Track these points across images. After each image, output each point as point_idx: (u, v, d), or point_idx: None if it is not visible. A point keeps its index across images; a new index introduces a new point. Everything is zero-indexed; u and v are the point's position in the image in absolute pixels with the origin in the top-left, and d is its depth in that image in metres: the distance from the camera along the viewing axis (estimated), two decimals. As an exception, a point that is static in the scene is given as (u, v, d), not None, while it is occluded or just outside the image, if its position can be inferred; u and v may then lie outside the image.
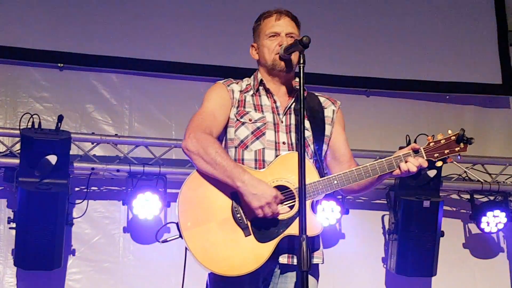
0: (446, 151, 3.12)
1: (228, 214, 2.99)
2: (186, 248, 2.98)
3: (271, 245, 2.97)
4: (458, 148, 3.13)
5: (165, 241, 3.09)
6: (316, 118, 3.24)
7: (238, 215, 2.98)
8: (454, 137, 3.12)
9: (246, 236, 2.97)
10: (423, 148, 3.09)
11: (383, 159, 3.08)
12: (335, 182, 3.05)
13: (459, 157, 3.16)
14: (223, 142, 3.20)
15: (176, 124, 6.11)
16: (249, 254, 2.95)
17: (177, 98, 6.14)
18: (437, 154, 3.10)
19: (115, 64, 6.02)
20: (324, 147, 3.26)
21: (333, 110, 3.33)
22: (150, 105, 6.12)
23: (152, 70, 6.08)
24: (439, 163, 3.13)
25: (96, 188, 5.87)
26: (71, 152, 5.40)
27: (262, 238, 2.98)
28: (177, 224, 2.99)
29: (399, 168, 3.06)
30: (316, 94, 3.35)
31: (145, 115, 6.10)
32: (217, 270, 2.94)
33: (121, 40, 6.03)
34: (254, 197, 2.93)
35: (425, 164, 3.07)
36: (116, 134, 5.84)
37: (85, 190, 5.69)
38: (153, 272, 5.81)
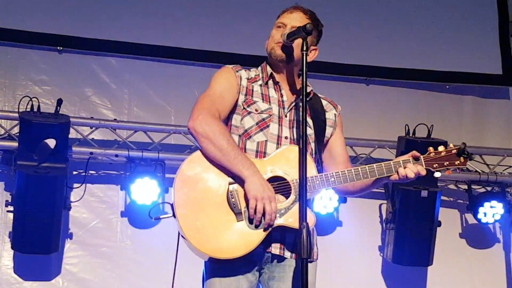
0: (445, 163, 3.16)
1: (223, 198, 3.00)
2: (179, 229, 3.00)
3: (262, 233, 2.98)
4: (458, 162, 3.17)
5: (157, 218, 3.13)
6: (318, 119, 3.29)
7: (233, 200, 2.99)
8: (456, 150, 3.16)
9: (238, 221, 2.99)
10: (423, 157, 3.13)
11: (382, 163, 3.13)
12: (332, 179, 3.08)
13: (457, 170, 3.20)
14: (228, 128, 3.20)
15: (175, 109, 6.10)
16: (239, 238, 2.97)
17: (177, 84, 6.13)
18: (436, 165, 3.15)
19: (115, 48, 5.99)
20: (323, 148, 3.30)
21: (335, 114, 3.37)
22: (149, 90, 6.10)
23: (152, 55, 6.06)
24: (437, 174, 3.18)
25: (94, 172, 5.87)
26: (69, 136, 5.40)
27: (254, 225, 3.00)
28: (171, 204, 3.01)
29: (397, 173, 3.10)
30: (319, 96, 3.39)
31: (144, 100, 6.08)
32: (205, 250, 2.96)
33: (122, 25, 6.01)
34: (257, 188, 2.95)
35: (423, 172, 3.12)
36: (115, 119, 5.83)
37: (83, 174, 5.70)
38: (150, 257, 5.83)
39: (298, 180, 2.94)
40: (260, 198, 2.94)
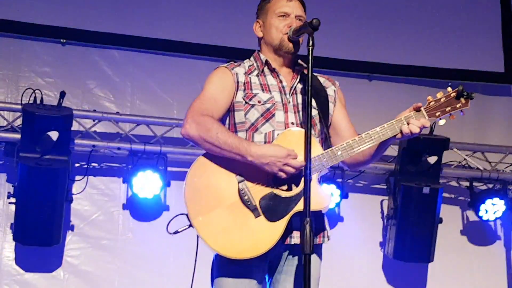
0: (447, 109, 3.07)
1: (236, 198, 2.99)
2: (197, 236, 2.98)
3: (282, 223, 2.97)
4: (460, 104, 3.08)
5: (176, 232, 3.08)
6: (320, 96, 3.23)
7: (246, 197, 2.97)
8: (454, 93, 3.07)
9: (256, 217, 2.97)
10: (424, 108, 3.06)
11: (384, 125, 3.05)
12: (339, 153, 3.03)
13: (461, 113, 3.12)
14: (230, 126, 3.18)
15: (178, 103, 6.09)
16: (261, 234, 2.95)
17: (179, 77, 6.12)
18: (439, 113, 3.06)
19: (118, 41, 5.98)
20: (329, 124, 3.27)
21: (334, 90, 3.33)
22: (152, 83, 6.10)
23: (155, 48, 6.05)
24: (441, 122, 3.08)
25: (96, 164, 5.87)
26: (72, 129, 5.39)
27: (272, 217, 2.98)
28: (186, 214, 3.00)
29: (401, 131, 3.03)
30: (315, 74, 3.32)
31: (147, 93, 6.08)
32: (231, 254, 2.95)
33: (125, 18, 6.01)
34: (268, 166, 2.93)
35: (428, 124, 3.04)
36: (117, 112, 5.82)
37: (85, 166, 5.70)
38: (151, 250, 5.83)
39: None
40: (280, 167, 2.93)
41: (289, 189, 3.02)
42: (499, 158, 6.43)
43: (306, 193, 2.77)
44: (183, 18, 6.13)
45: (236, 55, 5.94)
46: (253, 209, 2.97)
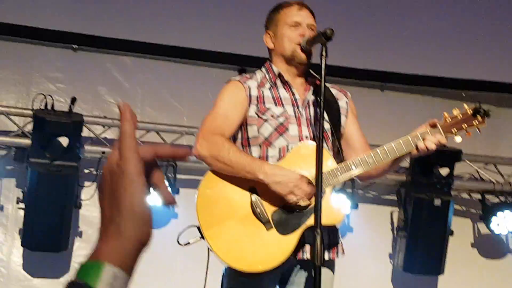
0: (464, 125, 3.06)
1: (248, 210, 2.97)
2: (208, 249, 2.96)
3: (294, 237, 2.94)
4: (476, 122, 3.07)
5: (187, 243, 3.06)
6: (333, 109, 3.22)
7: (258, 210, 2.95)
8: (471, 110, 3.06)
9: (268, 229, 2.95)
10: (440, 125, 3.03)
11: (400, 139, 3.03)
12: (353, 167, 3.01)
13: (478, 131, 3.09)
14: (243, 141, 3.15)
15: (188, 110, 6.07)
16: (273, 247, 2.93)
17: (190, 84, 6.11)
18: (455, 129, 3.05)
19: (129, 48, 5.97)
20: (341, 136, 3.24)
21: (346, 102, 3.31)
22: (163, 90, 6.08)
23: (166, 55, 6.04)
24: (457, 139, 3.07)
25: (105, 171, 5.85)
26: (82, 135, 5.39)
27: (284, 230, 2.96)
28: (198, 226, 2.97)
29: (417, 148, 2.99)
30: (327, 85, 3.30)
31: (157, 100, 6.06)
32: (243, 267, 2.93)
33: (137, 24, 6.00)
34: (279, 185, 2.91)
35: (444, 141, 3.02)
36: (128, 119, 5.80)
37: (95, 172, 5.69)
38: (159, 257, 5.79)
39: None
40: (291, 189, 2.90)
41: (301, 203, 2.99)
42: (512, 171, 6.37)
43: (317, 204, 2.74)
44: (194, 25, 6.11)
45: (248, 62, 5.94)
46: (265, 222, 2.95)
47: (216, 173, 3.03)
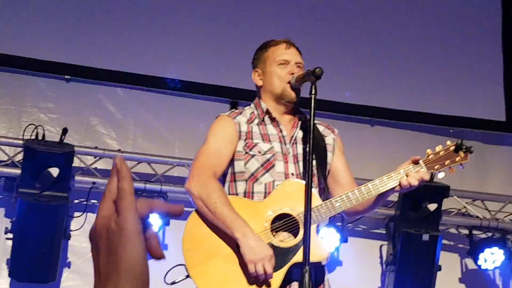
0: (446, 162, 3.08)
1: (234, 248, 2.98)
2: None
3: (280, 274, 2.96)
4: (459, 158, 3.10)
5: (173, 282, 3.07)
6: (319, 146, 3.25)
7: None
8: (453, 147, 3.09)
9: None
10: (423, 161, 3.05)
11: (383, 176, 3.05)
12: (337, 204, 3.04)
13: (461, 167, 3.12)
14: (231, 176, 3.17)
15: (180, 141, 6.09)
16: (259, 285, 2.93)
17: (182, 116, 6.14)
18: (438, 166, 3.07)
19: (122, 79, 6.01)
20: (327, 174, 3.26)
21: (333, 138, 3.34)
22: (155, 121, 6.11)
23: (158, 87, 6.08)
24: (440, 175, 3.10)
25: (95, 201, 5.83)
26: (72, 165, 5.39)
27: None
28: (184, 265, 2.99)
29: (400, 184, 3.01)
30: (315, 122, 3.34)
31: (149, 131, 6.09)
32: None
33: (129, 56, 6.05)
34: (251, 250, 2.92)
35: (427, 177, 3.04)
36: (119, 150, 5.82)
37: (85, 202, 5.68)
38: (148, 289, 5.77)
39: (303, 214, 2.92)
40: (257, 260, 2.91)
41: (287, 240, 3.01)
42: (499, 207, 6.41)
43: (305, 241, 2.76)
44: (186, 58, 6.17)
45: (240, 95, 5.98)
46: None
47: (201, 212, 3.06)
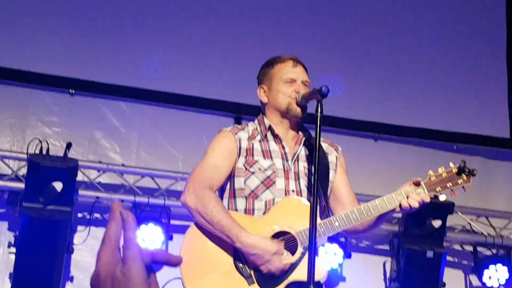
0: (448, 184, 3.05)
1: (230, 264, 2.97)
2: None
3: None
4: (461, 181, 3.06)
5: None
6: (322, 164, 3.22)
7: (241, 265, 2.96)
8: (456, 169, 3.05)
9: (250, 284, 2.95)
10: (425, 183, 3.02)
11: (383, 196, 3.03)
12: (337, 223, 3.02)
13: (463, 189, 3.09)
14: (230, 192, 3.16)
15: (183, 155, 6.09)
16: None
17: (185, 130, 6.14)
18: (439, 188, 3.04)
19: (126, 93, 6.02)
20: (329, 192, 3.25)
21: (336, 156, 3.32)
22: (158, 136, 6.11)
23: (163, 101, 6.08)
24: (442, 197, 3.07)
25: (99, 215, 5.84)
26: (76, 179, 5.39)
27: (266, 285, 2.96)
28: (181, 279, 2.98)
29: (400, 205, 3.00)
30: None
31: (153, 145, 6.09)
32: None
33: (133, 70, 6.05)
34: (255, 257, 2.93)
35: (427, 199, 3.00)
36: (123, 164, 5.82)
37: (88, 217, 5.67)
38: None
39: (302, 232, 2.91)
40: (265, 262, 2.90)
41: (285, 257, 2.99)
42: (504, 224, 6.39)
43: (310, 261, 2.75)
44: (191, 72, 6.18)
45: (243, 111, 5.99)
46: (247, 276, 2.95)
47: (200, 226, 3.04)
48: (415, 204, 2.98)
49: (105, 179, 5.77)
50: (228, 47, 6.31)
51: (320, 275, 2.97)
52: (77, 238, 5.65)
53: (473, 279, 6.46)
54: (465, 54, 6.81)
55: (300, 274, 2.93)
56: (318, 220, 3.02)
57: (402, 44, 6.71)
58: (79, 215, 5.72)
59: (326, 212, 3.19)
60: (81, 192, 5.50)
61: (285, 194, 3.11)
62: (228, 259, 2.99)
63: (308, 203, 3.01)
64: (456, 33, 6.82)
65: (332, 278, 6.10)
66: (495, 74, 6.80)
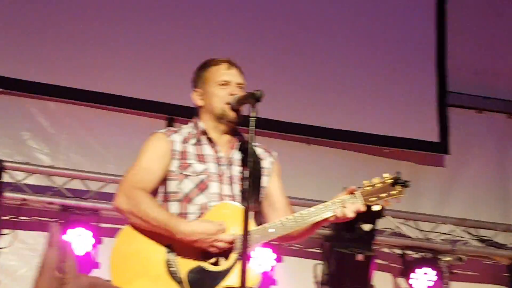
0: (382, 195, 3.05)
1: (162, 269, 2.92)
2: None
3: None
4: (395, 192, 3.05)
5: None
6: (255, 169, 3.20)
7: (172, 269, 2.91)
8: (390, 180, 3.06)
9: None
10: (360, 192, 3.06)
11: (319, 205, 3.03)
12: (271, 230, 3.01)
13: (397, 200, 3.11)
14: (163, 195, 3.11)
15: (114, 158, 5.98)
16: None
17: (117, 132, 6.05)
18: (374, 198, 3.03)
19: (55, 92, 5.88)
20: (262, 197, 3.24)
21: (271, 162, 3.30)
22: (88, 137, 6.00)
23: (93, 101, 5.97)
24: (376, 207, 3.07)
25: (26, 218, 5.68)
26: (2, 180, 5.24)
27: None
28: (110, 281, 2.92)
29: (335, 215, 3.02)
30: (253, 144, 3.32)
31: (83, 146, 5.97)
32: None
33: (63, 69, 5.92)
34: (198, 243, 2.89)
35: (363, 209, 3.00)
36: (51, 166, 5.68)
37: (14, 219, 5.52)
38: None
39: (237, 237, 2.90)
40: (211, 238, 2.88)
41: (218, 263, 2.96)
42: (431, 227, 6.51)
43: (244, 266, 2.71)
44: (123, 72, 6.08)
45: (176, 112, 5.93)
46: (179, 282, 2.90)
47: (133, 227, 2.98)
48: (350, 214, 2.99)
49: (32, 180, 5.62)
50: (161, 48, 6.24)
51: (253, 281, 2.95)
52: (3, 242, 5.49)
53: (401, 282, 6.57)
54: (395, 58, 6.92)
55: (231, 280, 2.91)
56: (253, 225, 3.01)
57: (335, 48, 6.77)
58: (5, 218, 5.55)
59: (259, 217, 3.17)
60: (6, 194, 5.34)
61: (219, 199, 3.08)
62: (160, 264, 2.93)
63: (244, 208, 2.99)
64: (387, 37, 6.92)
65: (263, 282, 6.10)
66: (424, 79, 6.93)
